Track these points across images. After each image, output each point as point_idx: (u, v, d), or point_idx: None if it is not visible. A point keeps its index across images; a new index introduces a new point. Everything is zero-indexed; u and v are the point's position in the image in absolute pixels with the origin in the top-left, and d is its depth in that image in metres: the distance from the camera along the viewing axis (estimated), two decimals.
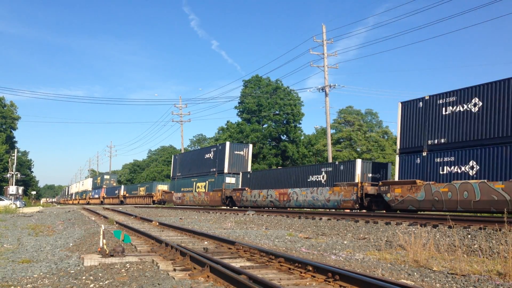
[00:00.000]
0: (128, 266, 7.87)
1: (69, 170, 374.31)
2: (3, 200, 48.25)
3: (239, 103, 66.61)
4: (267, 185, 32.53)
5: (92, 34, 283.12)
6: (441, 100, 20.29)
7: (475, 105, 18.91)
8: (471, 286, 6.57)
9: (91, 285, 6.57)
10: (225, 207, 35.16)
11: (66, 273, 7.46)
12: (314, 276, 6.70)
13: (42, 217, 27.77)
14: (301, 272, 6.98)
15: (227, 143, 39.59)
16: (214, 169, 40.16)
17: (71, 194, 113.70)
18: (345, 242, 12.33)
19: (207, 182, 40.69)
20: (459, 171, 19.03)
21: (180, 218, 23.28)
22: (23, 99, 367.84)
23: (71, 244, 12.00)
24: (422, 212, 20.37)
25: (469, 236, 11.58)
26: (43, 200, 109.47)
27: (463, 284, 6.70)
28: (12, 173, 70.11)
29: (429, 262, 8.50)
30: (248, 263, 8.06)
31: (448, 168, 19.46)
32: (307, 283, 6.42)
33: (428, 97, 20.95)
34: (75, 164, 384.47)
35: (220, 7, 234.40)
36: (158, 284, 6.43)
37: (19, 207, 42.66)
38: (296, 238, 13.30)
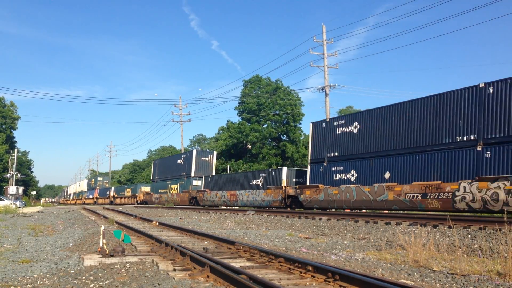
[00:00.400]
0: (128, 266, 7.87)
1: (69, 170, 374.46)
2: (3, 200, 48.25)
3: (239, 103, 66.61)
4: (223, 187, 38.25)
5: (92, 34, 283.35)
6: (336, 122, 26.02)
7: (355, 127, 24.51)
8: (471, 286, 6.57)
9: (91, 285, 6.57)
10: (191, 206, 40.03)
11: (66, 273, 7.46)
12: (314, 276, 6.70)
13: (42, 217, 27.78)
14: (301, 272, 6.98)
15: (194, 151, 46.51)
16: (184, 173, 46.35)
17: (70, 195, 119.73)
18: (345, 242, 12.33)
19: (178, 184, 46.73)
20: (345, 178, 24.45)
21: (180, 218, 23.28)
22: (23, 99, 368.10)
23: (71, 244, 12.01)
24: (419, 212, 20.39)
25: (469, 236, 11.58)
26: (43, 200, 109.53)
27: (463, 284, 6.70)
28: (12, 173, 70.10)
29: (429, 262, 8.51)
30: (248, 263, 8.06)
31: (339, 175, 24.91)
32: (307, 283, 6.42)
33: (328, 120, 27.22)
34: (75, 164, 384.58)
35: (220, 7, 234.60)
36: (158, 284, 6.43)
37: (19, 207, 42.67)
38: (296, 238, 13.30)
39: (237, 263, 7.91)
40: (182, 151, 64.44)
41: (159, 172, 55.32)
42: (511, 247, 7.67)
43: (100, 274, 7.25)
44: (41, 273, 7.50)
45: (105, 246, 9.01)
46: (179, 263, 8.07)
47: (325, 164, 26.07)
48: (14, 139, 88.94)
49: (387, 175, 21.84)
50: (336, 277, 6.28)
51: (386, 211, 22.33)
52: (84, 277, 7.07)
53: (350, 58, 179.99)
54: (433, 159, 19.59)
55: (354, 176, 23.79)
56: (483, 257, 9.49)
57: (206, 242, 11.60)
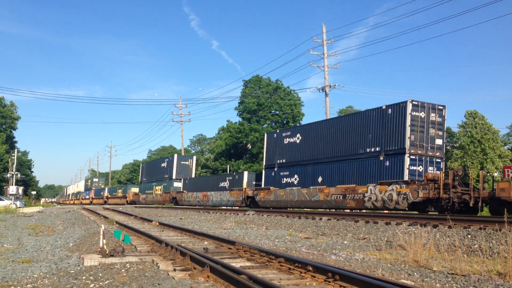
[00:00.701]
0: (128, 266, 7.87)
1: (69, 170, 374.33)
2: (3, 200, 48.24)
3: (239, 103, 66.61)
4: (198, 189, 42.62)
5: (92, 34, 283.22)
6: (284, 133, 30.71)
7: (298, 138, 28.91)
8: (471, 286, 6.57)
9: (91, 285, 6.57)
10: (173, 206, 43.45)
11: (66, 273, 7.46)
12: (314, 276, 6.70)
13: (42, 217, 27.78)
14: (301, 272, 6.98)
15: (175, 155, 51.51)
16: (167, 176, 50.96)
17: (68, 195, 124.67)
18: (345, 242, 12.33)
19: (162, 186, 51.36)
20: (290, 181, 29.11)
21: (180, 218, 23.29)
22: (23, 99, 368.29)
23: (71, 244, 12.01)
24: (415, 212, 20.42)
25: (469, 236, 11.57)
26: (43, 200, 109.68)
27: (463, 284, 6.70)
28: (12, 173, 70.04)
29: (429, 262, 8.50)
30: (248, 263, 8.06)
31: (286, 179, 29.59)
32: (307, 283, 6.42)
33: (278, 131, 32.48)
34: (75, 164, 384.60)
35: (220, 7, 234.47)
36: (158, 284, 6.43)
37: (19, 207, 42.67)
38: (296, 238, 13.30)
39: (237, 263, 7.91)
40: (182, 151, 65.20)
41: (146, 174, 60.49)
42: (511, 247, 7.67)
43: (100, 274, 7.25)
44: (41, 273, 7.50)
45: (105, 246, 9.01)
46: (179, 263, 8.07)
47: (275, 169, 30.76)
48: (14, 139, 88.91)
49: (320, 179, 26.44)
50: (336, 277, 6.27)
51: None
52: (84, 277, 7.07)
53: (350, 58, 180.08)
54: (351, 166, 24.25)
55: (297, 180, 28.44)
56: (483, 257, 9.49)
57: (206, 242, 11.60)
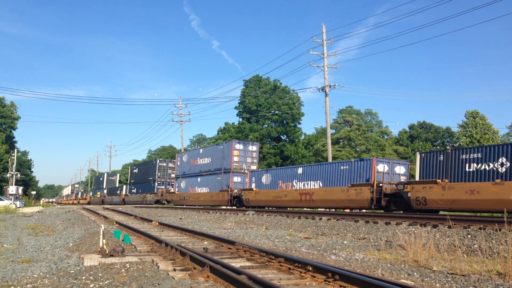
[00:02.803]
0: (128, 266, 7.87)
1: (69, 170, 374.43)
2: (3, 200, 48.22)
3: (239, 103, 66.60)
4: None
5: (92, 34, 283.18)
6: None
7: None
8: (471, 286, 6.57)
9: (91, 285, 6.57)
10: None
11: (66, 273, 7.46)
12: (314, 276, 6.70)
13: (42, 217, 27.77)
14: (301, 272, 6.98)
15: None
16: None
17: (63, 196, 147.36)
18: (345, 242, 12.33)
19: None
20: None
21: (180, 218, 23.28)
22: (23, 99, 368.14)
23: (71, 244, 12.00)
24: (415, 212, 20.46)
25: (469, 236, 11.57)
26: (42, 200, 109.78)
27: (463, 284, 6.70)
28: (12, 173, 69.95)
29: (429, 262, 8.50)
30: (248, 263, 8.06)
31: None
32: (307, 283, 6.42)
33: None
34: (75, 164, 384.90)
35: (220, 7, 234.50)
36: (158, 284, 6.43)
37: (19, 207, 42.63)
38: (296, 238, 13.29)
39: (237, 263, 7.91)
40: (182, 151, 65.07)
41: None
42: (511, 247, 7.67)
43: (100, 274, 7.25)
44: (41, 273, 7.50)
45: (105, 246, 9.01)
46: (179, 263, 8.07)
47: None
48: (14, 139, 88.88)
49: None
50: (336, 277, 6.27)
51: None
52: (84, 277, 7.07)
53: (350, 58, 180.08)
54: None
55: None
56: (483, 257, 9.49)
57: (206, 242, 11.60)
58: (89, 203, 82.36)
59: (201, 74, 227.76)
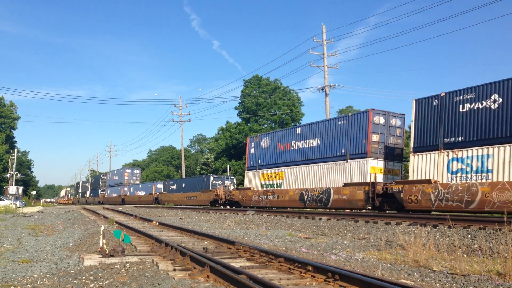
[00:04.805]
0: (128, 266, 7.87)
1: (69, 170, 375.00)
2: (3, 200, 48.19)
3: (239, 103, 66.61)
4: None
5: (92, 34, 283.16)
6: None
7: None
8: (471, 286, 6.57)
9: (91, 285, 6.57)
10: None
11: (66, 273, 7.46)
12: (314, 276, 6.70)
13: (42, 217, 27.76)
14: (301, 272, 6.98)
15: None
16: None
17: (61, 197, 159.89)
18: (345, 242, 12.33)
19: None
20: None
21: (180, 218, 23.28)
22: (23, 99, 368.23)
23: (71, 244, 12.00)
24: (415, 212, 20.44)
25: (469, 236, 11.57)
26: (42, 200, 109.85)
27: (463, 284, 6.70)
28: (12, 173, 69.95)
29: (429, 262, 8.50)
30: (248, 263, 8.06)
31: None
32: (307, 283, 6.42)
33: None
34: (75, 164, 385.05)
35: (221, 7, 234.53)
36: (158, 284, 6.43)
37: (19, 207, 42.61)
38: (296, 238, 13.29)
39: (237, 263, 7.91)
40: (182, 151, 65.71)
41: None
42: (511, 247, 7.67)
43: (100, 274, 7.25)
44: (41, 273, 7.50)
45: (105, 246, 9.01)
46: (179, 263, 8.07)
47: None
48: (14, 139, 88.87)
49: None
50: (336, 277, 6.27)
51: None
52: (84, 277, 7.07)
53: (350, 58, 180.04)
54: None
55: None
56: (483, 257, 9.49)
57: (206, 242, 11.60)
58: (73, 203, 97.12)
59: (201, 74, 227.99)
